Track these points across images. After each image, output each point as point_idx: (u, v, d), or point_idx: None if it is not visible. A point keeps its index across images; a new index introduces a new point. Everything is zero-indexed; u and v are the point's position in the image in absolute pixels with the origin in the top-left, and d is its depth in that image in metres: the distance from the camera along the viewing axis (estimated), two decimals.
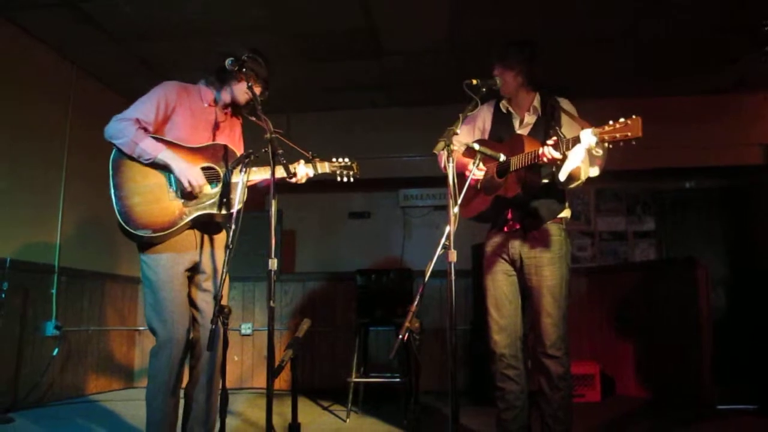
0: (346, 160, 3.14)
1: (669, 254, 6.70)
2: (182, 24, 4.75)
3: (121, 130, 2.77)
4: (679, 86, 6.03)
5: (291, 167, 2.89)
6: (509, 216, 2.98)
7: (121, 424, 4.17)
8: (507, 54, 3.00)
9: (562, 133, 2.62)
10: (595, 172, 2.73)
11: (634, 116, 2.31)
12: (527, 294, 2.98)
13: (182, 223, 2.79)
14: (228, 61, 2.84)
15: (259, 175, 2.91)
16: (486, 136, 3.13)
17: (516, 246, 2.97)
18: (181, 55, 5.19)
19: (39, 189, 5.00)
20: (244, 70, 2.82)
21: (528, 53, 3.02)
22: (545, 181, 2.84)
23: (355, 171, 3.16)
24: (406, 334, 2.33)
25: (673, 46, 5.20)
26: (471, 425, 3.96)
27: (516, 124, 3.07)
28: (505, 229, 3.01)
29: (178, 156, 2.80)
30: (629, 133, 2.30)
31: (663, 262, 6.35)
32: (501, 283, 3.02)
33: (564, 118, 2.91)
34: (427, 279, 2.36)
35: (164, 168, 2.81)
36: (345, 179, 3.15)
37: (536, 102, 3.02)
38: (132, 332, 6.23)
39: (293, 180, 2.91)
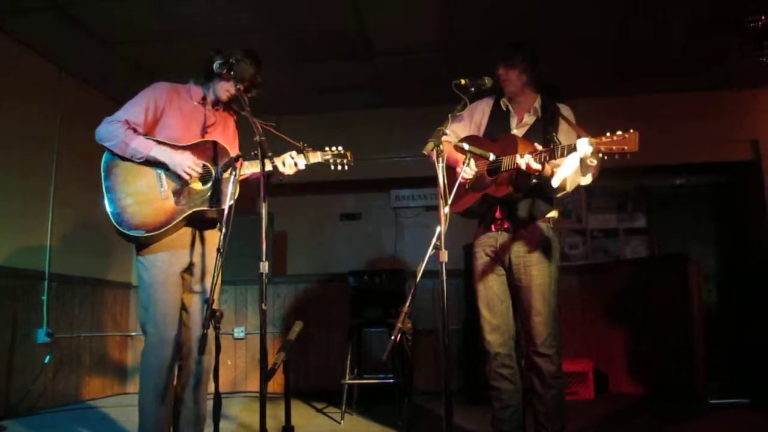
0: (340, 148, 3.10)
1: (660, 251, 6.73)
2: (172, 26, 4.74)
3: (111, 132, 2.80)
4: (669, 83, 6.05)
5: (279, 160, 2.89)
6: (497, 214, 2.99)
7: (114, 429, 4.15)
8: (511, 53, 3.02)
9: (558, 139, 2.64)
10: (587, 180, 2.73)
11: (631, 130, 2.32)
12: (517, 293, 2.99)
13: (175, 222, 2.81)
14: (216, 65, 2.86)
15: (250, 169, 2.90)
16: (481, 132, 3.14)
17: (505, 245, 2.98)
18: (171, 57, 5.16)
19: (28, 194, 4.96)
20: (232, 72, 2.83)
21: (531, 52, 3.04)
22: (534, 181, 2.84)
23: (349, 159, 3.11)
24: (399, 335, 2.33)
25: (661, 44, 5.22)
26: (465, 424, 3.96)
27: (513, 123, 3.08)
28: (493, 227, 3.02)
29: (170, 151, 2.82)
30: (625, 147, 2.31)
31: (654, 259, 6.39)
32: (492, 283, 3.03)
33: (562, 124, 2.92)
34: (418, 279, 2.36)
35: (158, 165, 2.82)
36: (339, 167, 3.10)
37: (537, 104, 3.04)
38: (124, 337, 6.20)
39: (285, 171, 2.92)
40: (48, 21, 4.57)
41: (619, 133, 2.33)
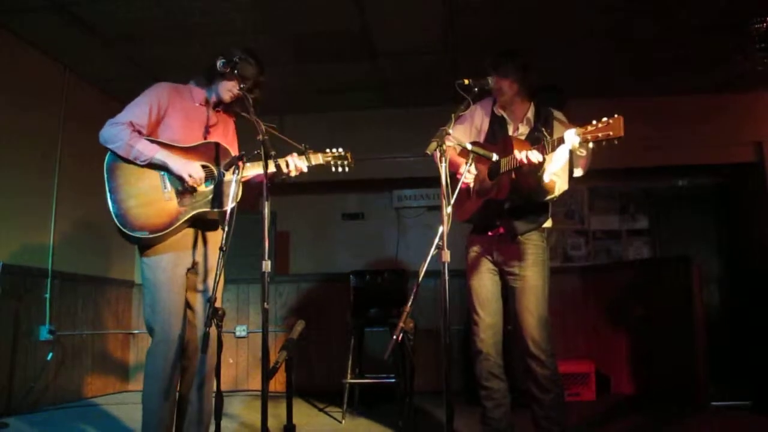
0: (340, 150, 3.15)
1: (662, 253, 6.72)
2: (175, 26, 4.74)
3: (116, 134, 2.79)
4: (672, 85, 6.04)
5: (282, 161, 2.91)
6: (496, 221, 3.02)
7: (117, 427, 4.16)
8: (500, 63, 3.02)
9: (546, 134, 2.66)
10: (579, 172, 2.76)
11: (615, 115, 2.34)
12: (510, 294, 3.02)
13: (178, 223, 2.81)
14: (219, 63, 2.87)
15: (253, 171, 2.92)
16: (482, 137, 3.15)
17: (499, 250, 3.01)
18: (174, 57, 5.17)
19: (32, 193, 4.97)
20: (235, 71, 2.84)
21: (520, 62, 3.04)
22: (536, 181, 2.85)
23: (350, 161, 3.16)
24: (401, 335, 2.33)
25: (665, 46, 5.21)
26: (465, 425, 3.95)
27: (510, 130, 3.09)
28: (490, 233, 3.04)
29: (173, 155, 2.82)
30: (611, 133, 2.34)
31: (656, 261, 6.37)
32: (486, 281, 3.06)
33: (556, 126, 2.92)
34: (420, 279, 2.37)
35: (161, 168, 2.82)
36: (340, 169, 3.15)
37: (530, 113, 3.05)
38: (126, 335, 6.21)
39: (288, 172, 2.94)
40: (51, 20, 4.57)
41: (603, 120, 2.36)
